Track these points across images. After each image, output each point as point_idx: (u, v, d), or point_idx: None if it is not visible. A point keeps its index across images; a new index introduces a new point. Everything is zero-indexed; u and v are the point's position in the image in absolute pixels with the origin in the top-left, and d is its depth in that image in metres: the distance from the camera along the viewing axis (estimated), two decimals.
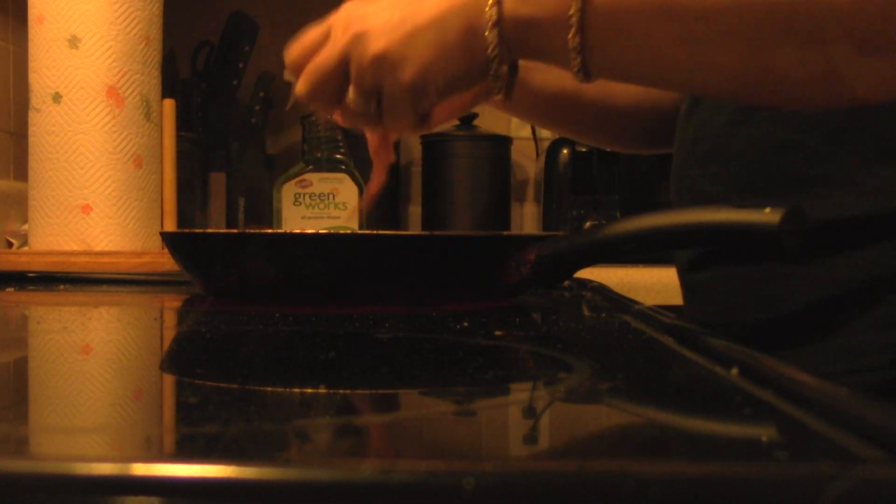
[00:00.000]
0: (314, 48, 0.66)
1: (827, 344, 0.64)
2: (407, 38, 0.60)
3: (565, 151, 1.70)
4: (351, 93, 0.64)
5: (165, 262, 1.06)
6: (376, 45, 0.61)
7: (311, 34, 0.67)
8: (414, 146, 1.93)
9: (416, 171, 1.93)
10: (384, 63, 0.61)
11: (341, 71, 0.64)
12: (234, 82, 1.79)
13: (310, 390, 0.36)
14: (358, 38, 0.62)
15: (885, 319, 0.63)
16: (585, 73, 0.58)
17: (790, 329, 0.67)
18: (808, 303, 0.65)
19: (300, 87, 0.66)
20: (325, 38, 0.65)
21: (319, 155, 1.35)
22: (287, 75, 1.42)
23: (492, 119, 1.93)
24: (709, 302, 0.74)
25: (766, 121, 0.68)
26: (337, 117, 0.69)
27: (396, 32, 0.61)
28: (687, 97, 0.76)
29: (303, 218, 1.33)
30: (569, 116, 0.88)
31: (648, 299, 0.81)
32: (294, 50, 0.68)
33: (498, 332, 0.55)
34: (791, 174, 0.67)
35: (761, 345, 0.67)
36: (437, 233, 0.68)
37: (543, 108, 0.85)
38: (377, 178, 0.76)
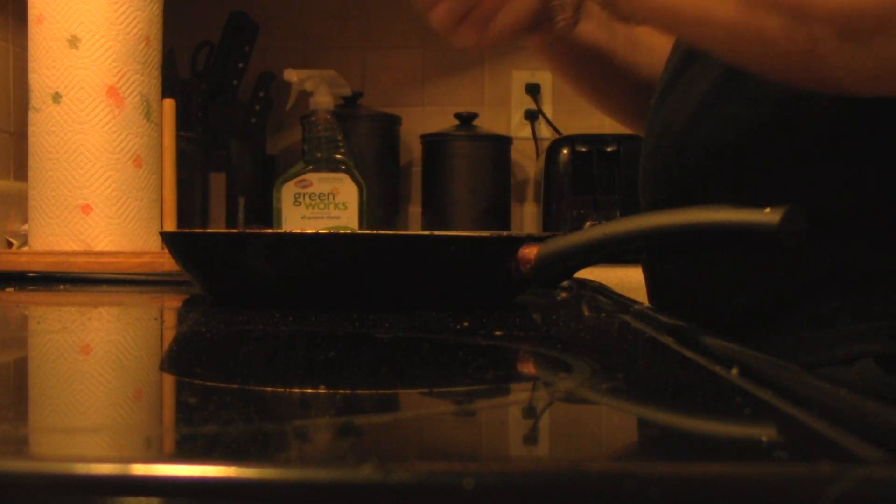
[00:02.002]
0: None
1: (770, 341, 0.65)
2: None
3: (565, 151, 1.70)
4: None
5: (165, 262, 1.06)
6: None
7: None
8: (414, 146, 1.93)
9: (416, 171, 1.94)
10: None
11: None
12: (234, 82, 1.79)
13: (310, 390, 0.36)
14: None
15: (825, 317, 0.63)
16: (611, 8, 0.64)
17: (735, 325, 0.67)
18: (753, 299, 0.66)
19: None
20: None
21: (319, 155, 1.35)
22: (288, 75, 1.42)
23: (492, 119, 1.94)
24: (668, 293, 0.74)
25: (726, 116, 0.69)
26: None
27: None
28: (657, 92, 0.77)
29: (303, 218, 1.33)
30: (597, 74, 0.89)
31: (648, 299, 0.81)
32: None
33: (498, 332, 0.55)
34: (749, 168, 0.68)
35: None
36: (437, 233, 0.68)
37: (578, 58, 0.87)
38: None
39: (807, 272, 0.64)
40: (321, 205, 1.34)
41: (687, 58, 0.72)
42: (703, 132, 0.70)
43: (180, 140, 1.28)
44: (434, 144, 1.83)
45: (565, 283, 0.80)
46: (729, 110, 0.69)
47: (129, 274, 1.02)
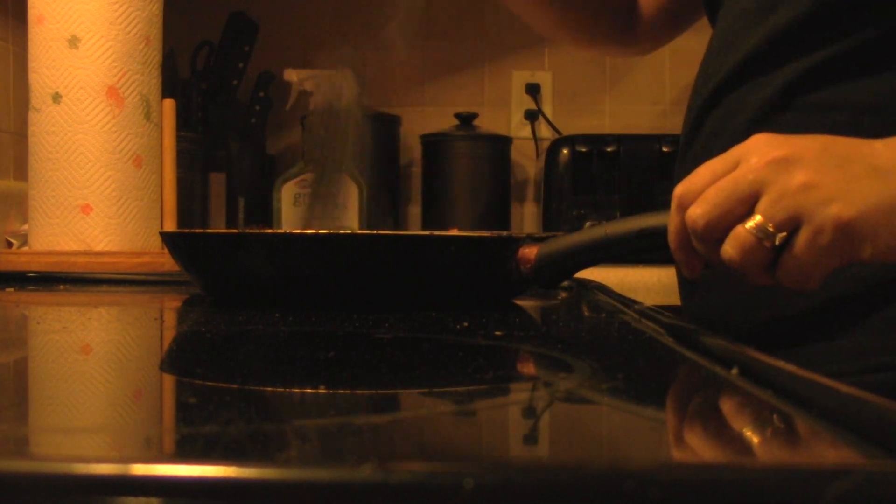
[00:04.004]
0: (715, 177, 0.55)
1: (834, 344, 0.64)
2: (846, 173, 0.52)
3: (565, 151, 1.70)
4: (751, 222, 0.53)
5: (165, 262, 1.06)
6: (805, 172, 0.52)
7: (710, 167, 0.56)
8: (414, 146, 1.93)
9: (416, 171, 1.94)
10: (816, 192, 0.52)
11: (751, 196, 0.53)
12: (234, 82, 1.78)
13: (310, 390, 0.36)
14: (780, 163, 0.53)
15: (894, 320, 0.62)
16: None
17: (797, 328, 0.67)
18: (816, 302, 0.65)
19: (696, 210, 0.54)
20: (730, 170, 0.55)
21: (319, 155, 1.35)
22: (288, 75, 1.42)
23: (492, 119, 1.94)
24: (711, 300, 0.73)
25: (788, 122, 0.67)
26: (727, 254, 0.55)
27: (830, 162, 0.53)
28: (708, 88, 0.75)
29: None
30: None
31: (648, 299, 0.81)
32: (696, 182, 0.56)
33: (498, 333, 0.55)
34: None
35: (766, 343, 0.66)
36: (436, 233, 0.68)
37: None
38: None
39: (875, 275, 0.63)
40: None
41: (751, 60, 0.70)
42: None
43: (180, 140, 1.28)
44: (434, 144, 1.83)
45: (565, 283, 0.80)
46: (798, 115, 0.67)
47: (129, 274, 1.02)
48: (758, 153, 0.54)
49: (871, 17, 0.65)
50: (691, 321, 0.57)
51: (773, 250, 0.53)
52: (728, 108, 0.72)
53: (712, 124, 0.73)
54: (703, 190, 0.55)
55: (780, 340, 0.67)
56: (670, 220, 0.57)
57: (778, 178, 0.52)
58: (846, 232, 0.51)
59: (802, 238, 0.52)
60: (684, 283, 0.78)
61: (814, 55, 0.67)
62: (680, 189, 0.56)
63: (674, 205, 0.57)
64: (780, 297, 0.67)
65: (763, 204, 0.52)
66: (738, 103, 0.71)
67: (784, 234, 0.52)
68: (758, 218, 0.52)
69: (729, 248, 0.54)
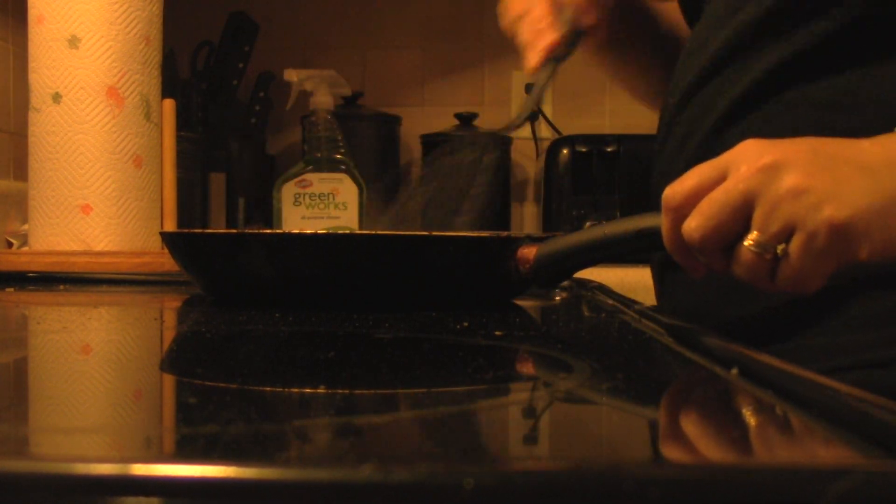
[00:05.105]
0: (706, 186, 0.54)
1: (803, 342, 0.64)
2: (836, 174, 0.52)
3: (565, 151, 1.70)
4: (749, 238, 0.53)
5: (165, 262, 1.06)
6: (794, 176, 0.52)
7: (698, 171, 0.55)
8: (414, 146, 1.93)
9: (416, 171, 1.94)
10: (806, 197, 0.51)
11: (744, 206, 0.53)
12: (234, 82, 1.79)
13: (310, 390, 0.36)
14: (769, 169, 0.52)
15: (861, 319, 0.62)
16: None
17: (767, 326, 0.67)
18: (785, 300, 0.65)
19: (691, 223, 0.54)
20: (719, 176, 0.54)
21: (319, 155, 1.35)
22: (288, 75, 1.42)
23: (492, 119, 1.94)
24: (683, 298, 0.74)
25: (756, 120, 0.68)
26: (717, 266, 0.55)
27: (819, 164, 0.52)
28: (679, 89, 0.75)
29: (303, 218, 1.33)
30: (645, 29, 0.89)
31: (648, 299, 0.81)
32: (683, 184, 0.55)
33: (498, 333, 0.55)
34: None
35: (738, 341, 0.66)
36: (436, 233, 0.68)
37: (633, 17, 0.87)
38: None
39: (840, 274, 0.63)
40: (321, 205, 1.34)
41: (720, 59, 0.70)
42: (734, 135, 0.68)
43: (180, 140, 1.28)
44: (434, 144, 1.83)
45: (565, 283, 0.80)
46: (766, 113, 0.67)
47: (129, 274, 1.02)
48: (747, 161, 0.53)
49: (833, 13, 0.65)
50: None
51: (773, 260, 0.53)
52: (698, 109, 0.72)
53: (684, 126, 0.73)
54: (689, 193, 0.55)
55: (748, 339, 0.67)
56: (661, 223, 0.57)
57: (768, 186, 0.52)
58: (840, 234, 0.51)
59: (797, 244, 0.52)
60: (657, 284, 0.79)
61: (779, 52, 0.67)
62: (667, 192, 0.56)
63: (662, 208, 0.57)
64: (748, 296, 0.67)
65: (757, 217, 0.52)
66: (706, 104, 0.71)
67: (783, 245, 0.52)
68: (754, 234, 0.52)
69: (736, 268, 0.54)
